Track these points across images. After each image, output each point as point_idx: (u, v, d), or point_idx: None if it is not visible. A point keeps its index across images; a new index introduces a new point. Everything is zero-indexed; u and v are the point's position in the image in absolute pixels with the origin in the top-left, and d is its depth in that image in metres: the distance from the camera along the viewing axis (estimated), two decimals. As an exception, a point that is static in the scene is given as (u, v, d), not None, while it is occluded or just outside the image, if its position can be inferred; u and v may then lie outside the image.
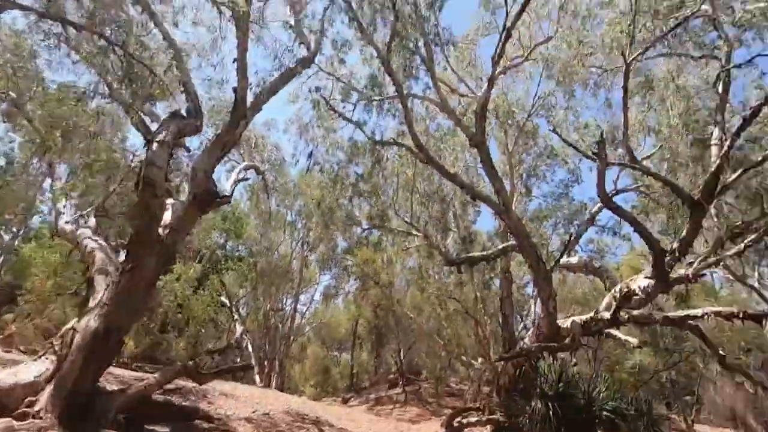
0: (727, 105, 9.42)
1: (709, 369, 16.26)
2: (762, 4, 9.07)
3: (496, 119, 13.79)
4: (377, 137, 12.35)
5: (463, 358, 16.17)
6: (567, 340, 10.52)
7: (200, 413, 8.86)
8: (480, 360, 14.80)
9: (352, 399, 19.61)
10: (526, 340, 11.65)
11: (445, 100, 11.02)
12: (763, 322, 7.59)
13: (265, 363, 20.36)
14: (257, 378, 19.31)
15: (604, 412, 10.25)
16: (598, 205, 12.32)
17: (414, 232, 14.35)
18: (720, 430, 17.40)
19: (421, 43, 10.54)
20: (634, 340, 9.94)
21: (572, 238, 12.72)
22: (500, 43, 9.59)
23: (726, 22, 9.54)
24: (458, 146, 14.07)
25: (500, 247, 12.51)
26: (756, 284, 14.26)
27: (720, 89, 9.02)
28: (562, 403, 9.97)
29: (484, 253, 12.77)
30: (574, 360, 12.17)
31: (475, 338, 14.84)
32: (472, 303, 14.81)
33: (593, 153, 7.32)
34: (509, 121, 13.72)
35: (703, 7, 9.19)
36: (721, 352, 8.75)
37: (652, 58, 11.10)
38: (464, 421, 11.93)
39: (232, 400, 11.35)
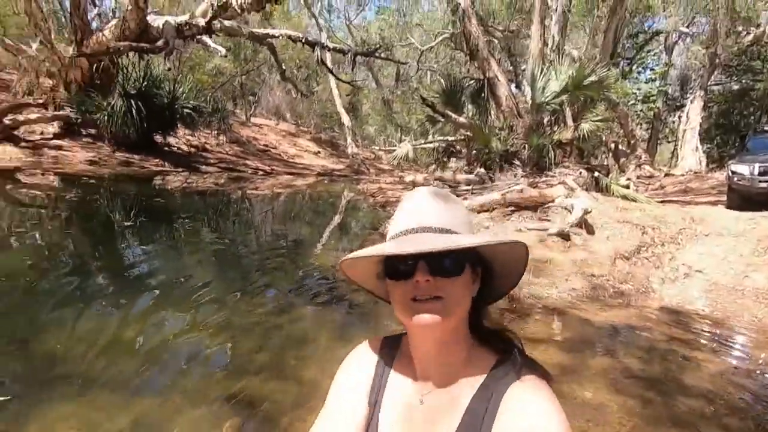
0: None
1: (270, 78, 21.28)
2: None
3: None
4: None
5: (8, 40, 12.21)
6: (160, 42, 10.07)
7: None
8: (36, 46, 11.72)
9: None
10: (106, 32, 10.77)
11: None
12: (315, 48, 10.93)
13: None
14: None
15: (186, 109, 11.43)
16: None
17: None
18: (268, 120, 22.48)
19: None
20: (222, 49, 10.41)
21: None
22: None
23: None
24: None
25: None
26: (317, 14, 19.69)
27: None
28: (146, 102, 10.48)
29: None
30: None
31: (28, 17, 10.67)
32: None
33: None
34: None
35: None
36: (283, 66, 11.59)
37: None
38: (21, 118, 10.36)
39: None
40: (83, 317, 2.89)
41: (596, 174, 7.41)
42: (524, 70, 13.18)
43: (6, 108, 10.00)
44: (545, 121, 9.55)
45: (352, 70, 14.26)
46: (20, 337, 2.63)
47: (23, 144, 9.84)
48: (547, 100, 9.00)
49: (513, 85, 17.68)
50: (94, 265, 4.10)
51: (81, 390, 2.09)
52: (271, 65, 19.87)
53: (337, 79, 16.27)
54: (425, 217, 0.66)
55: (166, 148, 12.72)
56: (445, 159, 11.61)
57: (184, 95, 12.20)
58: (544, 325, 3.44)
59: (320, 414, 0.72)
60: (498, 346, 0.68)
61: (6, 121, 9.70)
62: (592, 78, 8.71)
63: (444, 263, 0.63)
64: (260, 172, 13.49)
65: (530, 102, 9.27)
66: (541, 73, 9.02)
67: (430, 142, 12.20)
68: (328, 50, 13.08)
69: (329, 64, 16.74)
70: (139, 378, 2.23)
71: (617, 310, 3.76)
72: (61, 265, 4.07)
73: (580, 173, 7.44)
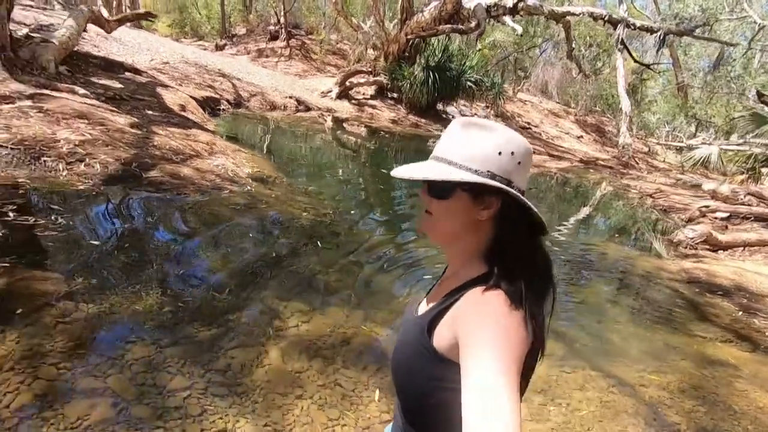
0: None
1: (551, 54, 22.55)
2: None
3: None
4: None
5: (352, 19, 15.03)
6: (473, 24, 11.32)
7: (125, 65, 8.15)
8: (369, 23, 14.47)
9: (228, 47, 18.08)
10: (426, 14, 12.11)
11: None
12: (618, 26, 11.20)
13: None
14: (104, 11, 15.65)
15: (468, 83, 12.99)
16: None
17: None
18: (533, 97, 21.78)
19: None
20: (519, 27, 11.50)
21: None
22: None
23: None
24: None
25: None
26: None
27: None
28: (440, 74, 12.37)
29: None
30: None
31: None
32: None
33: None
34: None
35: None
36: (573, 45, 12.71)
37: None
38: (354, 81, 13.10)
39: (117, 44, 10.31)
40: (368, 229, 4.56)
41: None
42: None
43: (349, 73, 13.45)
44: None
45: (658, 52, 12.13)
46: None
47: (353, 101, 13.06)
48: None
49: None
50: (373, 200, 5.87)
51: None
52: (555, 42, 19.00)
53: (637, 62, 14.17)
54: (440, 145, 0.76)
55: (444, 116, 14.30)
56: (763, 169, 9.12)
57: (470, 69, 13.29)
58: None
59: None
60: (492, 266, 0.74)
61: (347, 83, 12.99)
62: None
63: (435, 186, 0.75)
64: (519, 150, 13.58)
65: None
66: None
67: (744, 144, 9.78)
68: (633, 28, 11.63)
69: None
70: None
71: None
72: (354, 195, 6.10)
73: None
